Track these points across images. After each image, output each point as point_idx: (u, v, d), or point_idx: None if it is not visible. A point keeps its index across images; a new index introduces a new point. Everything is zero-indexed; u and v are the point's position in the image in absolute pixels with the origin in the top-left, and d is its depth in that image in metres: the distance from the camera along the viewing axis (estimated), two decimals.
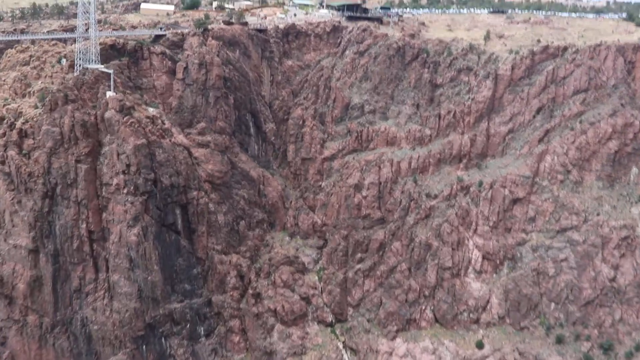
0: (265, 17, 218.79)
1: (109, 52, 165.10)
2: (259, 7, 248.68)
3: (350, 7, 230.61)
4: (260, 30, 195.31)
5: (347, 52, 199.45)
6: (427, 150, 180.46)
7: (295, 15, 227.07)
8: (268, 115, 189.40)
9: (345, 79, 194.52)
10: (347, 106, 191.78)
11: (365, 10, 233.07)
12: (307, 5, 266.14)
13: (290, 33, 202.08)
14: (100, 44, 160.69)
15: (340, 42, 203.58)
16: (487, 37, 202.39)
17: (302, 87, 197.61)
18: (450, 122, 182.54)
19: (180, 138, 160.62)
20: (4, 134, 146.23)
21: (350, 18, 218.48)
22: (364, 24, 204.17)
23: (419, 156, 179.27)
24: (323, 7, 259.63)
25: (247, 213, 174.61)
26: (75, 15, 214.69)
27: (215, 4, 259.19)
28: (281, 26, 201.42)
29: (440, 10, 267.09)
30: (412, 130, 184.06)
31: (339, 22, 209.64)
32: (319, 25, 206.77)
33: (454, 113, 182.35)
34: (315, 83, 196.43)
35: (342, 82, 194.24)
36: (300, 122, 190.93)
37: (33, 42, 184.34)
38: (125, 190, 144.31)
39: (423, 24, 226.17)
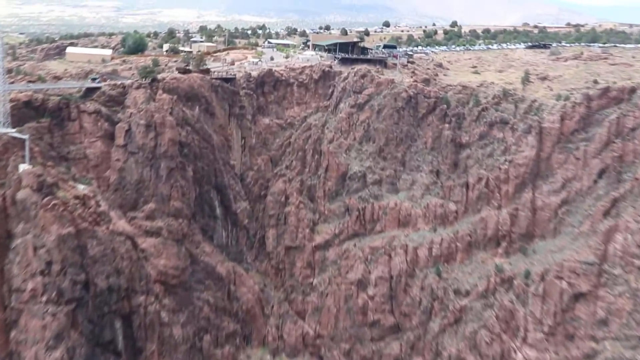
0: (233, 63, 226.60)
1: (24, 111, 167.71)
2: (224, 50, 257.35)
3: (344, 47, 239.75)
4: (226, 80, 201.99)
5: (341, 105, 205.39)
6: (453, 232, 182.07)
7: (272, 59, 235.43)
8: (239, 191, 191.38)
9: (341, 141, 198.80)
10: (344, 176, 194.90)
11: (364, 50, 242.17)
12: (287, 46, 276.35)
13: (267, 82, 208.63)
14: (11, 100, 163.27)
15: (333, 92, 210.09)
16: (525, 80, 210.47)
17: (284, 153, 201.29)
18: (482, 193, 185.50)
19: (121, 224, 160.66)
20: None
21: (344, 61, 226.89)
22: (362, 67, 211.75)
23: (442, 240, 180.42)
24: (308, 47, 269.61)
25: (214, 324, 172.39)
26: None
27: (166, 46, 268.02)
28: (254, 73, 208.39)
29: (462, 48, 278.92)
30: (432, 205, 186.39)
31: (330, 67, 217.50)
32: (304, 71, 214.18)
33: (486, 181, 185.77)
34: (301, 147, 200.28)
35: (337, 144, 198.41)
36: (283, 199, 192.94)
37: None
38: (44, 298, 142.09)
39: (440, 65, 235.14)
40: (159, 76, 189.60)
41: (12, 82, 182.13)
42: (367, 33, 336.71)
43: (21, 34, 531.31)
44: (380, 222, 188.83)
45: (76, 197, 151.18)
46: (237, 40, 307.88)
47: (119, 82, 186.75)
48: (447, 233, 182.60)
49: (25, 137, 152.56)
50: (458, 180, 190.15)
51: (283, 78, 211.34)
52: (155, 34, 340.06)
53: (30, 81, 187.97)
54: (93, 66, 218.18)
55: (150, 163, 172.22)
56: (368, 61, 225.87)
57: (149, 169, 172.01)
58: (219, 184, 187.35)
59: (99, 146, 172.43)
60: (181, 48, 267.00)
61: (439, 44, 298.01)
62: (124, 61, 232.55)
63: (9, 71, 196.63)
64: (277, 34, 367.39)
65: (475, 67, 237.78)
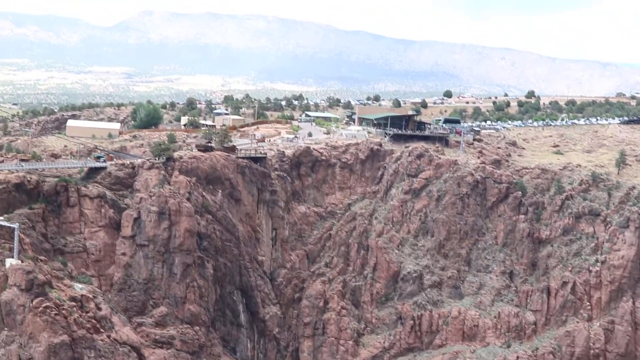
0: (264, 139, 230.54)
1: (14, 195, 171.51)
2: (253, 124, 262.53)
3: (396, 121, 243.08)
4: (255, 159, 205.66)
5: (393, 190, 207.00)
6: (532, 348, 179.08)
7: (310, 135, 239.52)
8: (268, 294, 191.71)
9: (392, 234, 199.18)
10: (396, 277, 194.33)
11: (421, 126, 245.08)
12: (328, 120, 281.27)
13: (304, 163, 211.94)
14: None
15: (383, 175, 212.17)
16: (621, 162, 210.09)
17: (323, 248, 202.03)
18: (568, 301, 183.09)
19: (125, 332, 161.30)
20: None
21: (397, 138, 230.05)
22: (419, 146, 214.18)
23: (517, 358, 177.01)
24: (353, 121, 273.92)
25: None
26: None
27: (184, 119, 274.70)
28: (289, 152, 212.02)
29: (541, 123, 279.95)
30: (505, 315, 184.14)
31: (380, 145, 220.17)
32: (348, 149, 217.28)
33: (572, 286, 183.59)
34: (344, 241, 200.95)
35: (387, 238, 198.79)
36: (321, 304, 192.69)
37: None
38: None
39: (514, 143, 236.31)
40: (175, 154, 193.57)
41: (1, 161, 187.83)
42: (424, 105, 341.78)
43: (15, 104, 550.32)
44: (440, 334, 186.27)
45: (72, 299, 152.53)
46: (268, 113, 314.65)
47: (128, 162, 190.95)
48: (524, 350, 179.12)
49: (15, 225, 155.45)
50: (537, 285, 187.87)
51: (323, 158, 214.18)
52: (172, 105, 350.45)
53: (23, 160, 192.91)
54: (98, 142, 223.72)
55: (163, 258, 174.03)
56: (425, 138, 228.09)
57: (160, 265, 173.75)
58: (245, 284, 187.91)
59: (102, 237, 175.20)
60: (202, 121, 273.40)
61: (512, 118, 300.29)
62: (134, 136, 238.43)
63: (0, 148, 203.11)
64: (316, 105, 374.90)
65: (557, 146, 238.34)
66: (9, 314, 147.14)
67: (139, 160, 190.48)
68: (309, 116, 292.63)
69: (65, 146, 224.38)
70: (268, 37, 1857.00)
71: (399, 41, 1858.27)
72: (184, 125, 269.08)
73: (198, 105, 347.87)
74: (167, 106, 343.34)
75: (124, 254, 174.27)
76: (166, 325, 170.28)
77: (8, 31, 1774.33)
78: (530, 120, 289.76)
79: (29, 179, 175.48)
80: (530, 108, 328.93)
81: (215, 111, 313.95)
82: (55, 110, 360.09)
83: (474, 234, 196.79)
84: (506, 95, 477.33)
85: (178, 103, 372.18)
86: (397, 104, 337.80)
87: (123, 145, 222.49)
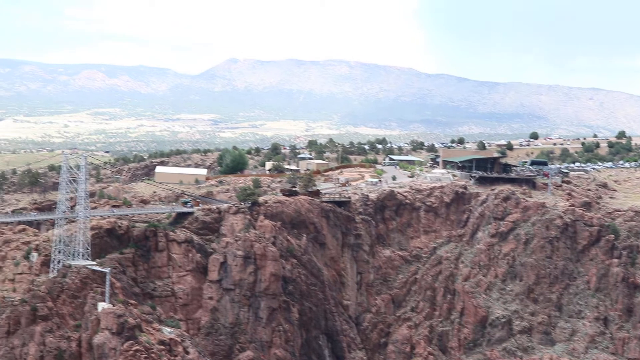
0: (348, 183, 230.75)
1: (106, 240, 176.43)
2: (337, 168, 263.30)
3: (481, 164, 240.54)
4: (339, 203, 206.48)
5: (479, 234, 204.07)
6: None
7: (394, 178, 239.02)
8: (354, 338, 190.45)
9: (479, 278, 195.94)
10: (484, 322, 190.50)
11: (507, 168, 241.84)
12: (412, 163, 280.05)
13: (388, 206, 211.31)
14: (92, 228, 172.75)
15: (468, 218, 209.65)
16: None
17: (409, 292, 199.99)
18: None
19: None
20: None
21: (482, 180, 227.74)
22: (505, 188, 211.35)
23: None
24: (438, 164, 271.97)
25: None
26: (55, 186, 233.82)
27: (269, 164, 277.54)
28: (373, 196, 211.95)
29: (633, 164, 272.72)
30: None
31: (465, 188, 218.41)
32: (433, 192, 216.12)
33: None
34: (430, 285, 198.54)
35: (474, 282, 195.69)
36: (407, 349, 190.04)
37: None
38: None
39: (605, 185, 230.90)
40: (260, 199, 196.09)
41: (95, 208, 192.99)
42: (510, 147, 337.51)
43: (106, 152, 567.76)
44: None
45: (161, 343, 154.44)
46: (352, 157, 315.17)
47: (214, 207, 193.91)
48: None
49: (107, 270, 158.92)
50: (634, 332, 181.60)
51: (407, 201, 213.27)
52: (257, 150, 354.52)
53: (114, 206, 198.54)
54: (185, 188, 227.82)
55: (249, 302, 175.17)
56: (512, 181, 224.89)
57: (246, 309, 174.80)
58: (330, 328, 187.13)
59: (189, 281, 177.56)
60: (286, 166, 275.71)
61: (602, 159, 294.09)
62: (220, 182, 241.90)
63: (92, 195, 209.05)
64: (400, 148, 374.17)
65: None
66: (101, 357, 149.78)
67: (225, 205, 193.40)
68: (393, 160, 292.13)
69: (154, 192, 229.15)
70: (351, 82, 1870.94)
71: (483, 83, 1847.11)
72: (269, 170, 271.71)
73: (282, 151, 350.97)
74: (252, 152, 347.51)
75: (210, 298, 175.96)
76: None
77: (101, 82, 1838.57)
78: (621, 162, 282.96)
79: (119, 224, 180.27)
80: (622, 149, 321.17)
81: (299, 156, 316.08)
82: (145, 157, 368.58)
83: (564, 278, 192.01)
84: (595, 136, 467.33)
85: (263, 148, 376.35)
86: (481, 146, 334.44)
87: (209, 191, 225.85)
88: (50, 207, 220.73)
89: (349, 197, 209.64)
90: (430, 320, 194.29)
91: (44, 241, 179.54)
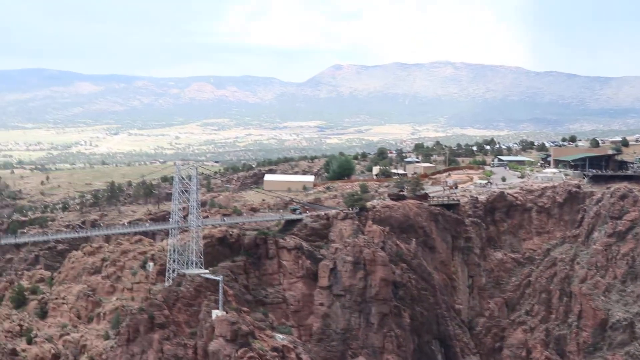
0: (456, 186, 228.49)
1: (217, 248, 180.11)
2: (444, 171, 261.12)
3: (595, 162, 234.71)
4: (448, 206, 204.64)
5: (595, 234, 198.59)
6: None
7: (503, 179, 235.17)
8: (467, 343, 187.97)
9: (597, 279, 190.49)
10: (604, 325, 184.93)
11: (623, 165, 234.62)
12: (522, 164, 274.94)
13: (498, 208, 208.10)
14: (204, 237, 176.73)
15: (583, 218, 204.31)
16: None
17: (523, 295, 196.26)
18: None
19: None
20: None
21: (596, 179, 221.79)
22: (621, 186, 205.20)
23: None
24: (549, 164, 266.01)
25: None
26: (168, 197, 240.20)
27: (376, 169, 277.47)
28: (482, 198, 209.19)
29: None
30: None
31: (578, 187, 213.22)
32: (545, 193, 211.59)
33: None
34: (545, 287, 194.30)
35: (591, 284, 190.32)
36: (524, 353, 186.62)
37: (107, 238, 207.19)
38: None
39: None
40: (368, 204, 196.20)
41: (206, 217, 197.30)
42: (625, 143, 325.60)
43: (216, 162, 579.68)
44: None
45: (274, 349, 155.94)
46: (459, 159, 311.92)
47: (323, 213, 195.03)
48: None
49: (219, 278, 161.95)
50: None
51: (518, 202, 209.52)
52: (364, 156, 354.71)
53: (225, 215, 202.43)
54: (293, 195, 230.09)
55: (359, 308, 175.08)
56: (629, 178, 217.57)
57: (357, 315, 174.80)
58: (442, 333, 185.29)
59: (300, 288, 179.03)
60: (393, 170, 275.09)
61: None
62: (327, 188, 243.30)
63: (203, 204, 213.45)
64: (508, 149, 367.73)
65: None
66: None
67: (333, 211, 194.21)
68: (502, 160, 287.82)
69: (263, 200, 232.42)
70: (456, 83, 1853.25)
71: (594, 79, 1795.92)
72: (376, 175, 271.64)
73: (389, 155, 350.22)
74: (359, 157, 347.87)
75: (321, 304, 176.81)
76: None
77: (209, 93, 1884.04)
78: None
79: (230, 233, 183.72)
80: None
81: (406, 160, 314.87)
82: (253, 166, 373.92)
83: None
84: None
85: (369, 153, 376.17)
86: (595, 143, 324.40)
87: (317, 197, 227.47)
88: (164, 217, 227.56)
89: (458, 200, 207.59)
90: (546, 324, 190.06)
91: (159, 251, 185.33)
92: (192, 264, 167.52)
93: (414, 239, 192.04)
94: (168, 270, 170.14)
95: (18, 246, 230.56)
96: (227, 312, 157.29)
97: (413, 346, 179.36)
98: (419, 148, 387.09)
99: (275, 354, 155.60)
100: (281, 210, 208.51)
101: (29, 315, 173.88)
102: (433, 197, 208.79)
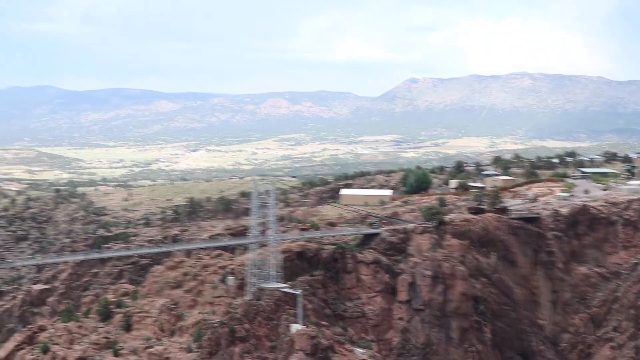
0: (536, 199, 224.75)
1: (296, 263, 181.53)
2: (524, 184, 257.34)
3: None
4: (529, 220, 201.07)
5: None
6: None
7: (586, 192, 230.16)
8: (552, 359, 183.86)
9: None
10: None
11: None
12: (605, 176, 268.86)
13: (581, 221, 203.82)
14: (282, 251, 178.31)
15: None
16: None
17: (609, 311, 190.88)
18: None
19: None
20: None
21: None
22: None
23: None
24: (634, 175, 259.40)
25: None
26: (246, 212, 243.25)
27: (454, 182, 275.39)
28: (564, 211, 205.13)
29: None
30: None
31: None
32: (631, 205, 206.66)
33: None
34: (633, 303, 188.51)
35: None
36: None
37: (188, 253, 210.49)
38: None
39: None
40: (447, 218, 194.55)
41: (284, 232, 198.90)
42: None
43: (293, 177, 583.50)
44: None
45: None
46: (540, 171, 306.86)
47: (400, 227, 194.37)
48: None
49: (298, 292, 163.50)
50: None
51: (602, 215, 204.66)
52: (441, 169, 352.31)
53: (303, 229, 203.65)
54: (370, 209, 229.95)
55: (439, 322, 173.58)
56: None
57: (437, 329, 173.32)
58: (525, 349, 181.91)
59: (379, 302, 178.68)
60: (471, 184, 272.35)
61: None
62: (405, 202, 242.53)
63: (281, 219, 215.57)
64: (591, 160, 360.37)
65: None
66: None
67: (411, 225, 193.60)
68: (584, 172, 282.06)
69: (341, 214, 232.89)
70: (535, 94, 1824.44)
71: None
72: (454, 188, 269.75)
73: (466, 168, 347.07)
74: (436, 170, 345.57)
75: (400, 318, 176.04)
76: None
77: (285, 109, 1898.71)
78: None
79: (309, 247, 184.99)
80: None
81: (484, 173, 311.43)
82: (330, 180, 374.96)
83: None
84: None
85: (446, 167, 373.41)
86: None
87: (395, 211, 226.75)
88: (242, 232, 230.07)
89: (539, 213, 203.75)
90: (635, 341, 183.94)
91: (238, 265, 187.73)
92: (271, 278, 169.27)
93: (494, 253, 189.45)
94: (248, 285, 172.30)
95: (103, 261, 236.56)
96: (306, 326, 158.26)
97: None
98: (497, 161, 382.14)
99: None
100: (358, 225, 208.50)
101: (115, 328, 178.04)
102: (513, 210, 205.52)
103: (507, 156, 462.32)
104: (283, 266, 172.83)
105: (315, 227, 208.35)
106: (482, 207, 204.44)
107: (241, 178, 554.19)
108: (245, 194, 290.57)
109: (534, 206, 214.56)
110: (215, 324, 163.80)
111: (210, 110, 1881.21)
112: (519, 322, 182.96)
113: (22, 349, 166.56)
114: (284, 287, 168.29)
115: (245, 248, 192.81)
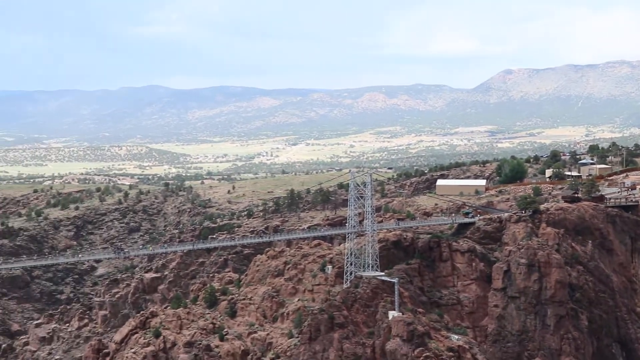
0: (634, 187, 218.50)
1: (392, 252, 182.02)
2: (621, 172, 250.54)
3: None
4: (626, 208, 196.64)
5: None
6: None
7: None
8: None
9: None
10: None
11: None
12: None
13: None
14: (379, 241, 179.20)
15: None
16: None
17: None
18: None
19: None
20: None
21: None
22: None
23: None
24: None
25: None
26: (344, 203, 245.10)
27: (549, 172, 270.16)
28: None
29: None
30: None
31: None
32: None
33: None
34: None
35: None
36: None
37: (289, 243, 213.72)
38: None
39: None
40: (542, 207, 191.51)
41: (381, 221, 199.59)
42: None
43: (389, 168, 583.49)
44: None
45: (450, 350, 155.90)
46: (638, 160, 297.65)
47: (495, 216, 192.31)
48: None
49: (395, 280, 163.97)
50: None
51: None
52: (536, 159, 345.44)
53: (399, 219, 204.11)
54: (465, 199, 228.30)
55: (535, 310, 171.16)
56: None
57: (533, 317, 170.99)
58: (623, 337, 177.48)
59: (474, 290, 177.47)
60: (567, 173, 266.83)
61: None
62: (499, 191, 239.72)
63: (378, 209, 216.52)
64: None
65: None
66: None
67: (506, 214, 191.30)
68: None
69: (436, 204, 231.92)
70: (633, 82, 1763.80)
71: None
72: (549, 177, 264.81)
73: (562, 157, 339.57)
74: (531, 160, 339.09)
75: (496, 306, 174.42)
76: None
77: (382, 103, 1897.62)
78: None
79: (405, 236, 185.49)
80: None
81: (580, 162, 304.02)
82: (425, 171, 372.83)
83: None
84: None
85: (542, 156, 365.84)
86: None
87: (490, 201, 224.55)
88: (340, 222, 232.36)
89: (637, 201, 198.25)
90: None
91: (336, 254, 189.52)
92: (369, 266, 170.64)
93: (590, 241, 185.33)
94: (346, 273, 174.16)
95: (209, 251, 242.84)
96: (403, 313, 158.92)
97: (592, 349, 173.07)
98: (593, 150, 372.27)
99: (451, 354, 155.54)
100: (454, 214, 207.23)
101: (220, 314, 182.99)
102: (610, 198, 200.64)
103: (604, 145, 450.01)
104: (380, 255, 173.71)
105: (411, 217, 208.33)
106: (577, 195, 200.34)
107: (339, 170, 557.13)
108: (343, 186, 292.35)
109: (632, 195, 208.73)
110: (315, 311, 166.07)
111: (310, 105, 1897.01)
112: (616, 310, 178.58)
113: (136, 333, 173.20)
114: (381, 275, 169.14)
115: (343, 238, 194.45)
